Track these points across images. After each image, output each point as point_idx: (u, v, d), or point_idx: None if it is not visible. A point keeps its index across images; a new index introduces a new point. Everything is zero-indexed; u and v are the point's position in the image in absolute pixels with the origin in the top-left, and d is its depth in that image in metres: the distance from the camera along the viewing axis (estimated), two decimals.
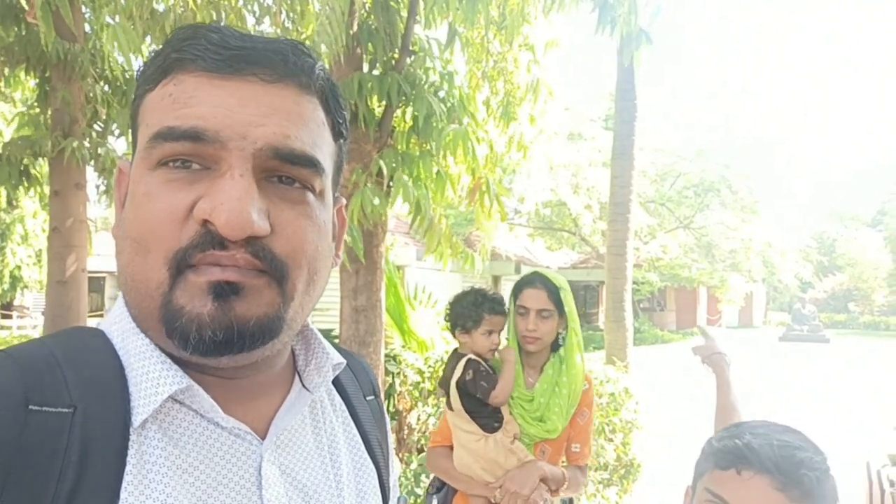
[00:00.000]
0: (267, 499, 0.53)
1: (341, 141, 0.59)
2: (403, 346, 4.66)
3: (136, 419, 0.48)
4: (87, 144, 4.05)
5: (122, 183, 0.56)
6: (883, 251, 38.47)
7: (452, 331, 1.99)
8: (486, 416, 1.87)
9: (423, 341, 4.44)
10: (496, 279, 16.65)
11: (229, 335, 0.48)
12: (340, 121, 0.58)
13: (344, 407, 0.67)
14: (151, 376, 0.49)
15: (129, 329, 0.53)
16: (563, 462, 1.99)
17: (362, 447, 0.66)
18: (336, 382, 0.67)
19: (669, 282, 22.39)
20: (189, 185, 0.49)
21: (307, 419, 0.61)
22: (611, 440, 3.53)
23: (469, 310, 1.92)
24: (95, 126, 4.12)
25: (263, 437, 0.55)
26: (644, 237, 20.28)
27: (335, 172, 0.59)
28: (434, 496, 2.01)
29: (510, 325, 1.98)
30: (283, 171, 0.51)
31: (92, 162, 4.22)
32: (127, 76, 3.91)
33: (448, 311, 2.00)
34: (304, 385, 0.61)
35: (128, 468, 0.47)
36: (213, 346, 0.48)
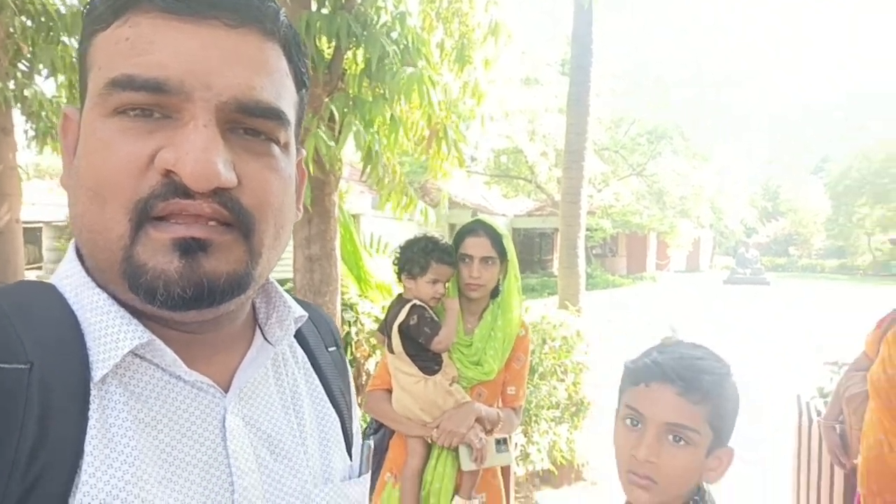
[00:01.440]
0: (232, 449, 0.53)
1: (303, 91, 0.57)
2: (360, 295, 4.64)
3: (96, 374, 0.47)
4: (11, 86, 3.77)
5: (68, 129, 0.54)
6: (823, 198, 40.12)
7: (399, 275, 1.99)
8: (427, 360, 1.90)
9: (383, 284, 4.42)
10: (452, 227, 16.70)
11: (199, 292, 0.48)
12: (303, 70, 0.57)
13: (306, 359, 0.67)
14: (111, 331, 0.48)
15: (82, 283, 0.51)
16: (498, 404, 2.06)
17: (325, 397, 0.66)
18: (298, 334, 0.67)
19: (621, 228, 22.87)
20: (149, 134, 0.47)
21: (269, 372, 0.61)
22: (562, 381, 3.65)
23: (417, 256, 1.92)
24: (20, 65, 3.82)
25: (226, 391, 0.55)
26: (598, 185, 20.53)
27: (297, 124, 0.57)
28: (371, 438, 2.05)
29: None
30: (248, 123, 0.50)
31: (18, 105, 3.95)
32: (53, 9, 3.62)
33: (397, 255, 2.00)
34: (266, 338, 0.60)
35: (90, 423, 0.46)
36: (181, 301, 0.48)
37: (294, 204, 0.57)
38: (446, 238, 2.04)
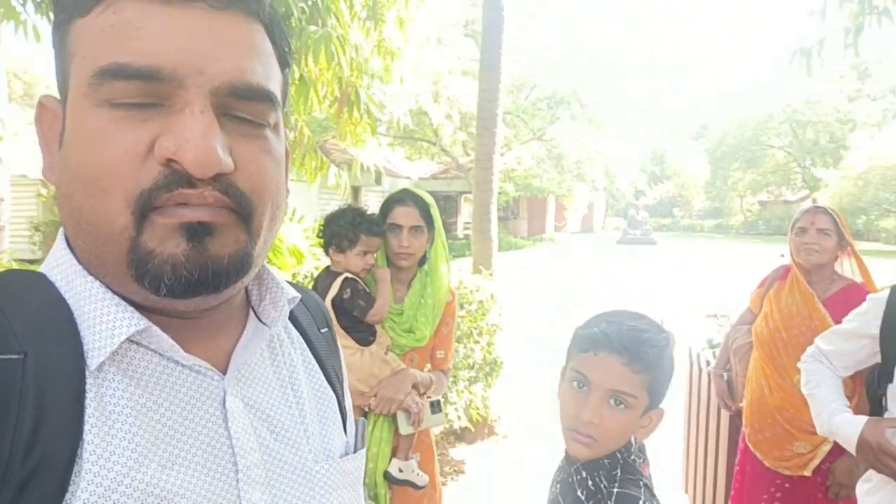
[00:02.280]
0: (234, 430, 0.54)
1: (287, 70, 0.58)
2: (269, 262, 4.51)
3: (92, 362, 0.47)
4: None
5: (46, 120, 0.53)
6: (703, 162, 43.24)
7: (326, 249, 1.97)
8: (361, 331, 1.92)
9: (296, 249, 4.30)
10: (356, 190, 16.45)
11: (204, 275, 0.48)
12: (286, 49, 0.57)
13: (301, 339, 0.68)
14: (106, 318, 0.48)
15: (74, 272, 0.51)
16: (427, 368, 2.13)
17: (321, 376, 0.68)
18: (291, 316, 0.68)
19: (523, 191, 23.54)
20: (143, 122, 0.47)
21: (265, 353, 0.61)
22: (478, 342, 3.78)
23: (345, 229, 1.90)
24: None
25: (224, 374, 0.56)
26: (501, 149, 20.90)
27: (282, 103, 0.57)
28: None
29: None
30: (240, 107, 0.50)
31: None
32: None
33: (322, 229, 1.97)
34: (260, 320, 0.60)
35: (88, 411, 0.46)
36: (187, 286, 0.48)
37: (287, 183, 0.58)
38: (349, 201, 2.04)
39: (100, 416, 0.47)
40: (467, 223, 20.28)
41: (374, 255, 1.96)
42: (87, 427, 0.46)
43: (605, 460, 1.11)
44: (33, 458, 0.43)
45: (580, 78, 23.12)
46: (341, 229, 1.90)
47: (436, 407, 2.02)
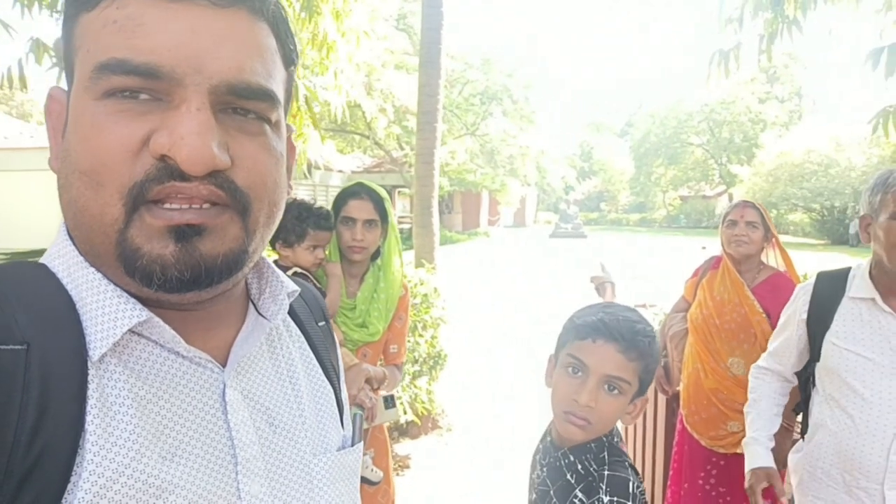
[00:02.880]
0: (233, 422, 0.54)
1: (292, 68, 0.58)
2: None
3: (94, 353, 0.48)
4: None
5: (54, 111, 0.53)
6: (628, 158, 44.95)
7: (272, 244, 1.92)
8: None
9: None
10: None
11: (196, 274, 0.48)
12: (291, 47, 0.57)
13: (299, 332, 0.68)
14: (108, 310, 0.48)
15: (76, 262, 0.51)
16: (380, 362, 2.11)
17: (319, 370, 0.68)
18: (290, 309, 0.67)
19: (457, 186, 23.72)
20: (140, 116, 0.47)
21: (264, 346, 0.62)
22: (422, 336, 3.78)
23: (292, 224, 1.85)
24: None
25: (224, 366, 0.56)
26: None
27: (286, 100, 0.57)
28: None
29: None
30: (240, 104, 0.50)
31: None
32: None
33: None
34: (260, 313, 0.60)
35: (90, 402, 0.46)
36: (179, 284, 0.48)
37: (286, 181, 0.58)
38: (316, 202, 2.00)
39: (101, 406, 0.47)
40: (402, 217, 20.21)
41: (325, 248, 1.92)
42: (88, 418, 0.46)
43: (592, 444, 1.16)
44: (36, 449, 0.43)
45: (511, 73, 23.46)
46: (287, 224, 1.85)
47: (390, 402, 2.01)
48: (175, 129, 0.46)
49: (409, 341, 3.72)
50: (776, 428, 1.87)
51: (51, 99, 0.54)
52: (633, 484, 1.11)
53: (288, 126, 0.60)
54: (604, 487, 1.09)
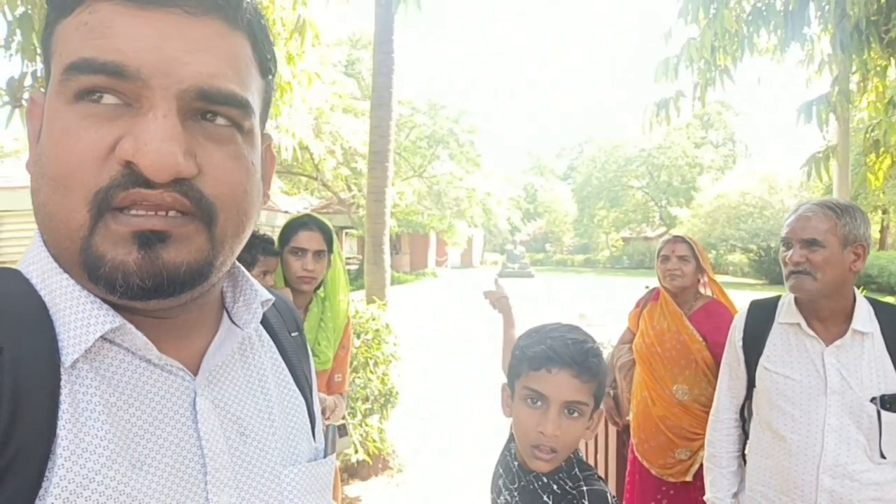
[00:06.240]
0: (203, 431, 0.54)
1: (269, 77, 0.58)
2: None
3: (67, 359, 0.47)
4: None
5: (34, 115, 0.53)
6: (571, 201, 46.32)
7: None
8: None
9: None
10: None
11: (158, 282, 0.48)
12: (269, 56, 0.56)
13: (272, 342, 0.67)
14: (81, 316, 0.48)
15: (50, 268, 0.51)
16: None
17: (291, 380, 0.67)
18: (263, 319, 0.67)
19: (405, 227, 23.80)
20: (109, 122, 0.47)
21: (236, 355, 0.61)
22: (374, 373, 3.74)
23: (243, 251, 1.85)
24: None
25: (195, 374, 0.56)
26: None
27: (263, 110, 0.57)
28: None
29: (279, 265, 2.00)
30: (211, 109, 0.50)
31: None
32: None
33: None
34: (233, 322, 0.60)
35: (62, 408, 0.46)
36: (141, 292, 0.48)
37: (260, 191, 0.57)
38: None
39: (73, 412, 0.47)
40: (349, 258, 20.06)
41: (272, 275, 1.93)
42: (60, 423, 0.46)
43: (563, 463, 1.18)
44: (9, 453, 0.42)
45: (457, 118, 24.02)
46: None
47: (342, 430, 1.99)
48: (140, 135, 0.46)
49: (360, 378, 3.67)
50: (736, 487, 1.92)
51: (32, 103, 0.54)
52: (609, 494, 1.14)
53: (266, 135, 0.60)
54: (586, 503, 1.11)
